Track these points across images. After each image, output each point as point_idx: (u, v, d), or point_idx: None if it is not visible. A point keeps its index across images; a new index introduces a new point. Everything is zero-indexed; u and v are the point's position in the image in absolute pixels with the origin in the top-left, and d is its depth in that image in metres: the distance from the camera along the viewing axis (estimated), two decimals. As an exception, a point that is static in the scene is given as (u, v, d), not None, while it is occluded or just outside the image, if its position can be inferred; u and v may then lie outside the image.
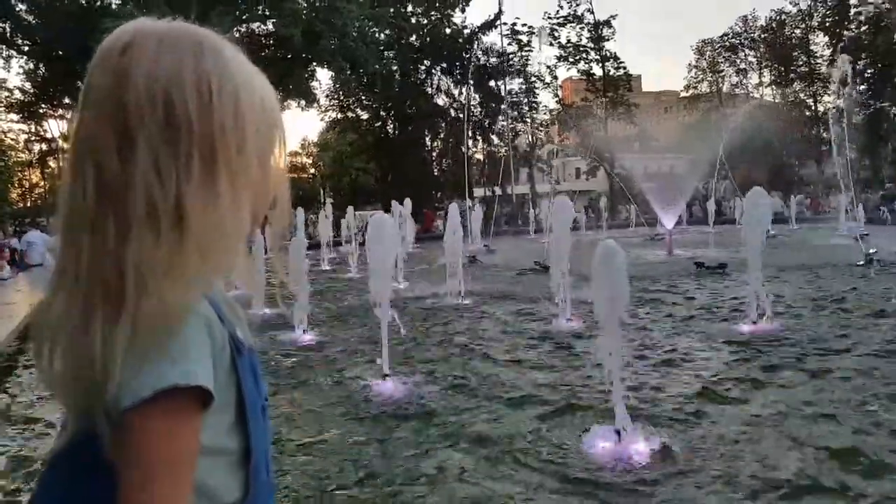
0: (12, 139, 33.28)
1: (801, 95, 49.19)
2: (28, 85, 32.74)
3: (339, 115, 46.58)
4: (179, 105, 0.76)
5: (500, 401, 4.80)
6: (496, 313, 8.70)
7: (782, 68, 49.36)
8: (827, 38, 46.70)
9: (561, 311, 7.54)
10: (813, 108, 48.33)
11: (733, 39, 51.09)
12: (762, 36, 50.10)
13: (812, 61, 48.22)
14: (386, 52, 41.13)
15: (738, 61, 51.93)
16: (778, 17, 48.81)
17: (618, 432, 3.79)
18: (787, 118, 41.42)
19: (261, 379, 0.89)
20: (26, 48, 32.20)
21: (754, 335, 6.49)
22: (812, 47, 48.21)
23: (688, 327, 7.20)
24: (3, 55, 31.66)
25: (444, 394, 5.04)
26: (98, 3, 30.24)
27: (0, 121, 30.82)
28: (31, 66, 32.88)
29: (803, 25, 48.31)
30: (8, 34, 31.24)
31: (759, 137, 22.84)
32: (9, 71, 38.19)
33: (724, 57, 52.04)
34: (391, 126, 45.73)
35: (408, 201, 19.38)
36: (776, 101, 49.42)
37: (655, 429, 3.97)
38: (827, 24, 46.27)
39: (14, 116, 32.87)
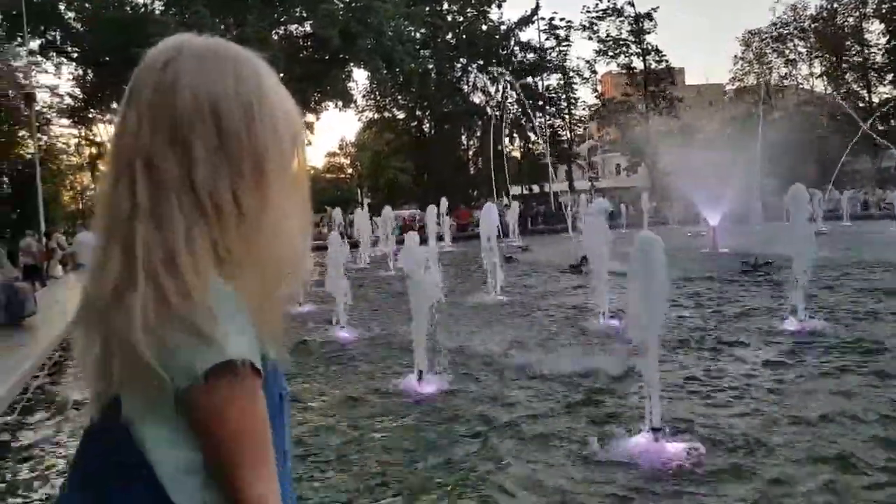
0: (63, 143, 34.17)
1: (855, 87, 47.43)
2: (77, 90, 33.66)
3: (376, 115, 46.82)
4: (227, 118, 0.80)
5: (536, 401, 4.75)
6: (532, 312, 8.63)
7: (834, 58, 47.68)
8: (883, 26, 44.92)
9: (599, 309, 7.44)
10: (867, 99, 46.53)
11: (782, 29, 49.58)
12: (812, 25, 48.44)
13: (866, 50, 46.45)
14: (422, 51, 41.14)
15: (787, 52, 50.38)
16: (829, 6, 47.17)
17: (655, 431, 3.71)
18: (840, 110, 39.77)
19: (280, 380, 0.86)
20: (75, 55, 33.10)
21: (800, 334, 6.29)
22: (866, 35, 46.43)
23: (732, 325, 7.03)
24: (54, 62, 32.68)
25: (479, 393, 5.01)
26: (142, 11, 30.97)
27: (52, 126, 31.59)
28: (80, 72, 33.79)
29: (857, 13, 46.57)
30: (58, 42, 32.20)
31: (809, 131, 22.13)
32: (59, 77, 39.07)
33: (772, 48, 50.56)
34: (427, 125, 45.76)
35: (443, 200, 19.29)
36: (827, 92, 47.71)
37: (694, 430, 3.88)
38: (883, 11, 44.51)
39: (65, 121, 33.80)
